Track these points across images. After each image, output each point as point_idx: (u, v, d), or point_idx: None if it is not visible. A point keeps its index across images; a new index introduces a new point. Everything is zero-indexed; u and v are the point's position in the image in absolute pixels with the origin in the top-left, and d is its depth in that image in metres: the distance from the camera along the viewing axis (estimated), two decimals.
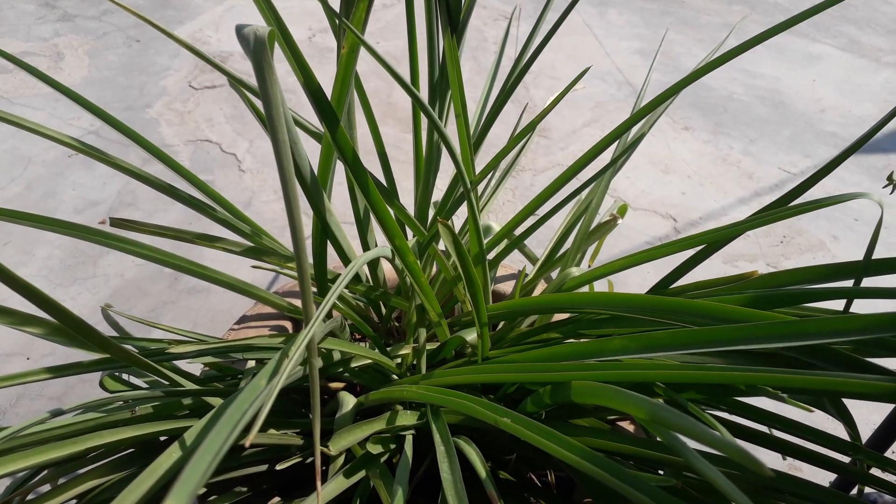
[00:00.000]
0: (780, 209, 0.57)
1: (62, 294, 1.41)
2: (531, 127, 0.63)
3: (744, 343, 0.45)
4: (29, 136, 1.85)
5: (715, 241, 0.60)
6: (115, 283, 1.46)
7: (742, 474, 0.57)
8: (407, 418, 0.61)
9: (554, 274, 0.99)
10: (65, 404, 1.21)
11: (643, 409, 0.38)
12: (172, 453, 0.40)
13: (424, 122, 0.74)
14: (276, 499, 0.68)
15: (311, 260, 0.71)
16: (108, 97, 2.06)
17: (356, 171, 0.53)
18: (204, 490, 0.65)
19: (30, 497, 0.59)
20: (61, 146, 1.82)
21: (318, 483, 0.41)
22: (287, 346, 0.41)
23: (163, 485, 0.39)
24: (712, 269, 1.59)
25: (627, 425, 0.76)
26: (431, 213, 0.82)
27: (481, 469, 0.50)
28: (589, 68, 0.67)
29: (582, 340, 0.64)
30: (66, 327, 0.52)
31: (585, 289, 0.74)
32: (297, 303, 0.86)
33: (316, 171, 0.59)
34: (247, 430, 0.33)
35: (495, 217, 1.70)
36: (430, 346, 0.75)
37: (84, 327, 0.51)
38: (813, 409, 0.58)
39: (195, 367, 0.74)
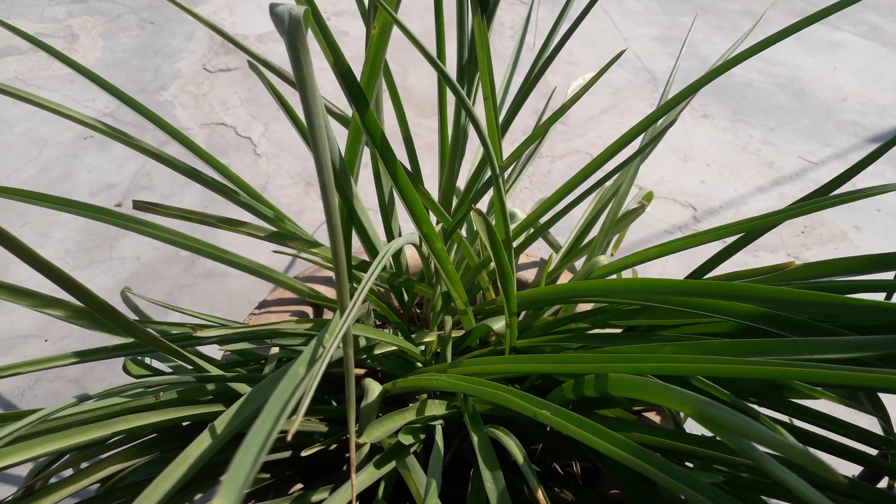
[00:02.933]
0: (825, 198, 0.55)
1: (79, 276, 1.41)
2: (560, 113, 0.62)
3: (806, 353, 0.43)
4: (45, 119, 1.85)
5: (753, 229, 0.59)
6: (131, 266, 1.46)
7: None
8: (436, 408, 0.60)
9: (577, 263, 0.97)
10: (84, 386, 1.21)
11: (691, 405, 0.37)
12: (203, 441, 0.39)
13: (450, 106, 0.72)
14: (299, 485, 0.67)
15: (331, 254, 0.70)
16: (123, 79, 2.05)
17: (385, 155, 0.52)
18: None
19: (52, 481, 0.59)
20: (76, 128, 1.82)
21: (353, 475, 0.40)
22: (321, 333, 0.40)
23: (194, 472, 0.38)
24: (733, 259, 1.57)
25: (653, 416, 0.75)
26: (455, 200, 0.80)
27: (521, 459, 0.49)
28: (623, 52, 0.65)
29: (615, 333, 0.62)
30: (91, 310, 0.51)
31: (613, 278, 0.73)
32: (319, 288, 0.86)
33: (343, 155, 0.57)
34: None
35: (512, 204, 1.69)
36: (454, 334, 0.74)
37: (109, 310, 0.51)
38: (869, 411, 0.56)
39: (212, 351, 0.73)
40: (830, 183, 0.63)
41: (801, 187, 1.82)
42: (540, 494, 0.43)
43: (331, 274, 0.90)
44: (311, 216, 1.62)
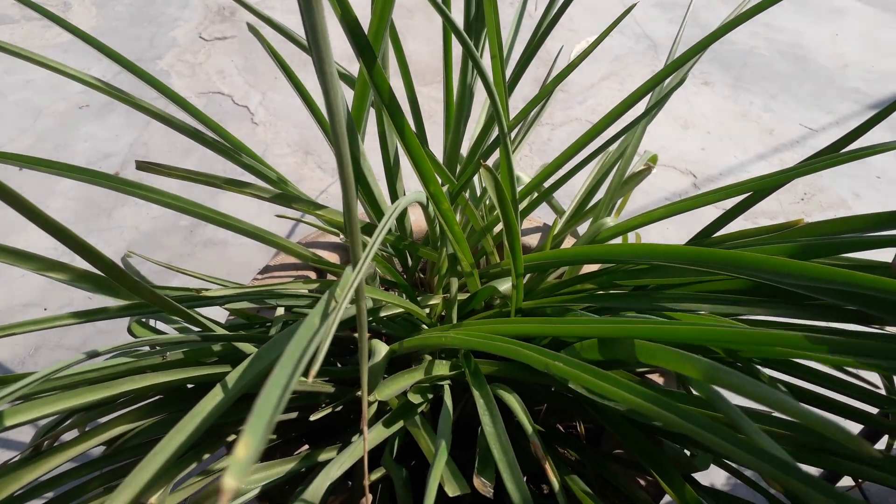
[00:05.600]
0: (832, 156, 0.54)
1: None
2: (569, 70, 0.61)
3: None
4: (39, 88, 1.83)
5: (761, 188, 0.58)
6: (130, 236, 1.45)
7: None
8: (442, 368, 0.60)
9: (580, 228, 0.97)
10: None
11: (699, 368, 0.37)
12: (215, 396, 0.39)
13: (455, 67, 0.71)
14: (305, 447, 0.68)
15: (342, 205, 0.70)
16: (117, 48, 2.01)
17: (392, 111, 0.51)
18: (233, 437, 0.65)
19: (58, 442, 0.59)
20: (71, 98, 1.80)
21: (365, 429, 0.40)
22: (332, 287, 0.39)
23: (205, 428, 0.38)
24: (732, 226, 1.57)
25: (657, 378, 0.75)
26: (458, 167, 0.80)
27: (524, 420, 0.49)
28: (631, 8, 0.64)
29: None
30: (97, 270, 0.51)
31: (618, 240, 0.73)
32: (322, 253, 0.85)
33: (350, 112, 0.57)
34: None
35: None
36: (459, 297, 0.73)
37: (115, 270, 0.50)
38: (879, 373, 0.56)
39: (216, 314, 0.73)
40: (830, 147, 0.63)
41: (801, 154, 1.81)
42: (539, 449, 0.43)
43: (333, 239, 0.89)
44: (309, 185, 1.61)
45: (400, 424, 0.56)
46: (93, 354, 0.47)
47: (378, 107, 0.64)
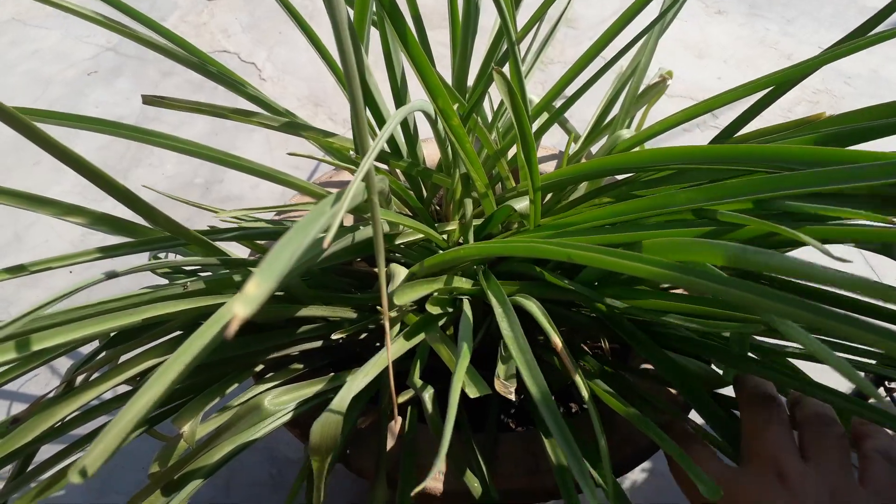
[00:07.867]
0: (864, 37, 0.53)
1: (97, 208, 1.41)
2: None
3: (825, 184, 0.42)
4: (47, 57, 1.82)
5: (783, 81, 0.56)
6: (146, 196, 1.45)
7: None
8: (462, 283, 0.59)
9: (594, 149, 0.95)
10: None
11: (722, 254, 0.36)
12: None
13: None
14: (332, 374, 0.68)
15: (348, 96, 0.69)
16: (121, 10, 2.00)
17: (393, 17, 0.50)
18: (262, 367, 0.65)
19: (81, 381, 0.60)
20: (79, 65, 1.79)
21: (388, 335, 0.40)
22: (342, 189, 0.39)
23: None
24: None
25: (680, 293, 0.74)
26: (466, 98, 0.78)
27: (545, 323, 0.49)
28: None
29: (643, 197, 0.61)
30: (126, 205, 0.51)
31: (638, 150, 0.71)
32: (335, 192, 0.85)
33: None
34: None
35: None
36: (475, 223, 0.73)
37: (144, 206, 0.51)
38: None
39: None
40: (856, 31, 0.61)
41: (821, 76, 1.77)
42: (557, 340, 0.43)
43: (348, 177, 0.89)
44: None
45: (421, 337, 0.56)
46: (111, 274, 0.48)
47: (381, 23, 0.62)
